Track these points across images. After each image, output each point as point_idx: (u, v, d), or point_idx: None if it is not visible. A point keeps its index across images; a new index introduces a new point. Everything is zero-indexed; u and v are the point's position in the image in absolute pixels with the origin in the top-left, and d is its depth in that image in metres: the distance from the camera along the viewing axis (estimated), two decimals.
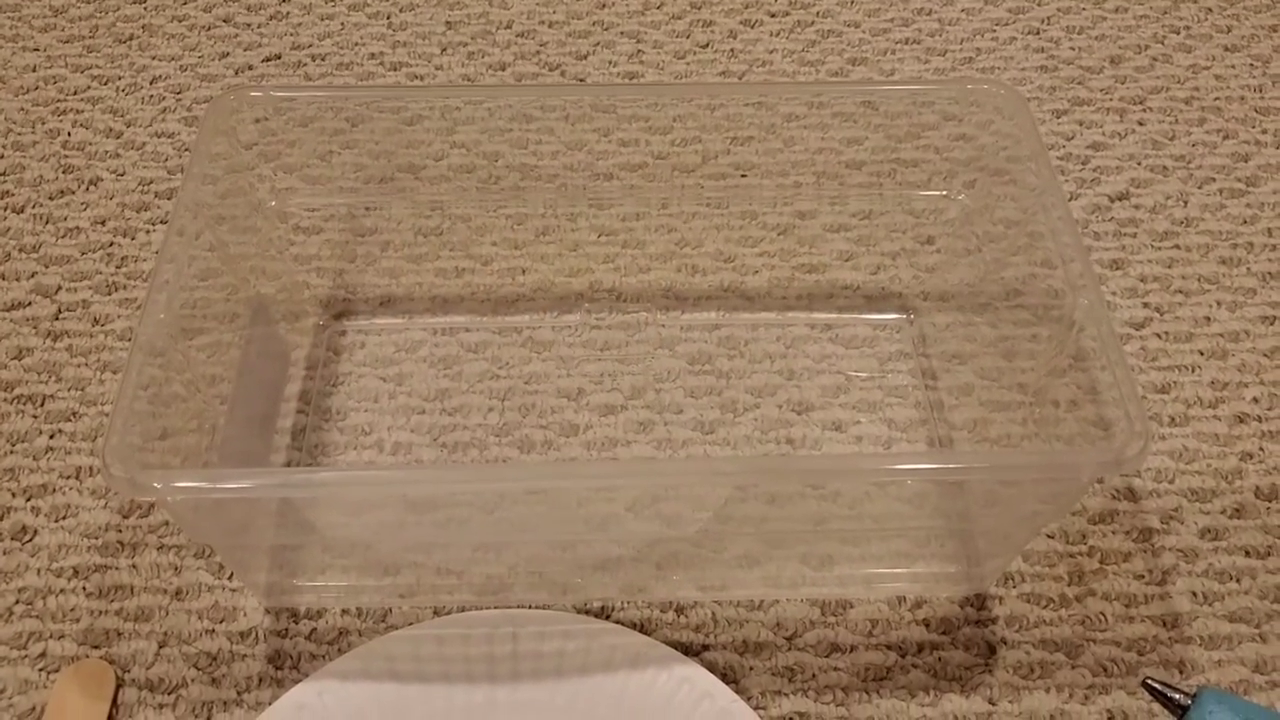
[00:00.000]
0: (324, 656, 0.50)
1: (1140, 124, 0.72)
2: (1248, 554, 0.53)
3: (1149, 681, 0.46)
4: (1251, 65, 0.75)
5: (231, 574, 0.53)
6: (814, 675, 0.50)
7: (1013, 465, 0.45)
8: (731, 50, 0.77)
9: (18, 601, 0.52)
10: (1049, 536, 0.54)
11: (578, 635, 0.49)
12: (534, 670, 0.49)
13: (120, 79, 0.75)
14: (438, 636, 0.49)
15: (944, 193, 0.60)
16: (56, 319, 0.62)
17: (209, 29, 0.78)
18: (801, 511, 0.54)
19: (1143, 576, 0.52)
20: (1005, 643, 0.51)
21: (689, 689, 0.47)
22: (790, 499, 0.55)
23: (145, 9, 0.79)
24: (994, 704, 0.49)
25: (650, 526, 0.54)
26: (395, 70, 0.75)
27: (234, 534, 0.49)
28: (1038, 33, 0.77)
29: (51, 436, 0.58)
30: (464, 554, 0.53)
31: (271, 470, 0.55)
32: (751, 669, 0.50)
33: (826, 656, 0.50)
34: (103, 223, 0.67)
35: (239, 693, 0.49)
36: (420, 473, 0.50)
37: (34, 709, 0.49)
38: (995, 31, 0.77)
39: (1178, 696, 0.45)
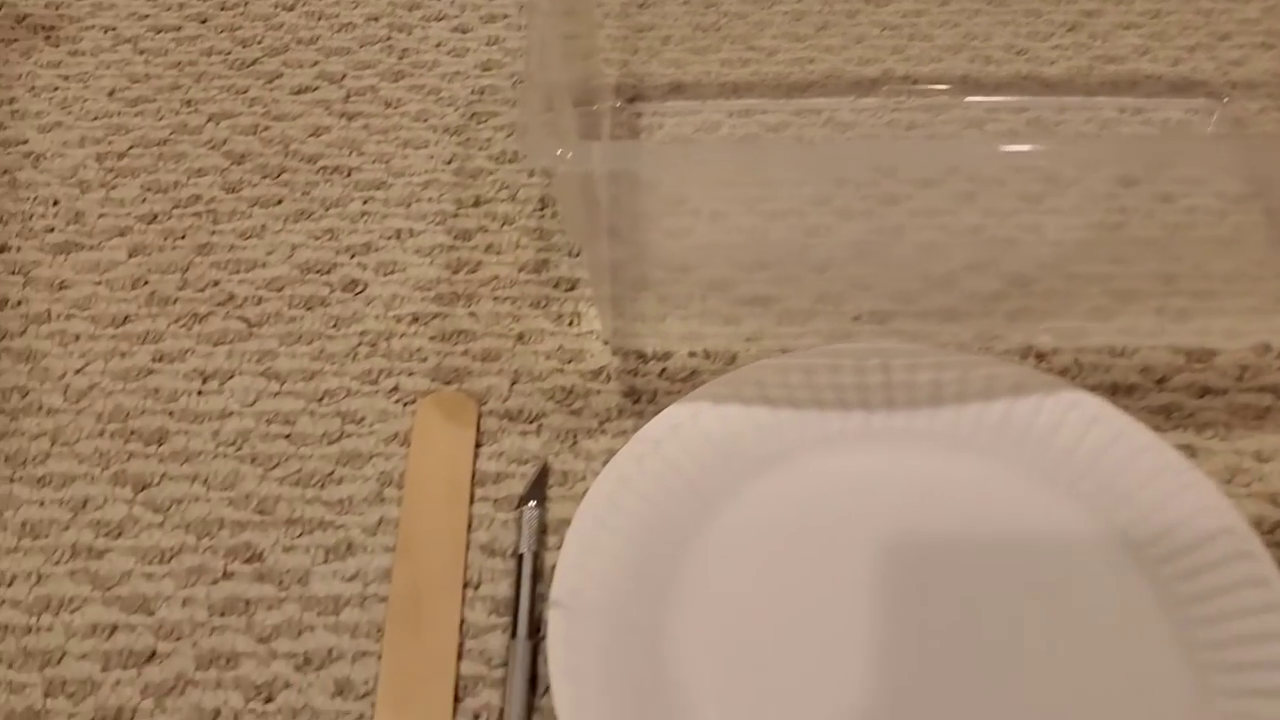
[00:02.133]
0: (677, 393, 0.49)
1: None
2: None
3: None
4: None
5: (571, 320, 0.52)
6: (1191, 414, 0.48)
7: None
8: None
9: (360, 344, 0.51)
10: None
11: (952, 366, 0.48)
12: (909, 399, 0.48)
13: None
14: (805, 365, 0.48)
15: None
16: (347, 101, 0.62)
17: None
18: (1147, 270, 0.53)
19: None
20: None
21: (1079, 414, 0.46)
22: (1132, 258, 0.53)
23: None
24: None
25: (990, 283, 0.53)
26: None
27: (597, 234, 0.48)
28: None
29: (365, 202, 0.57)
30: (804, 305, 0.52)
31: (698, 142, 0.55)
32: (1126, 408, 0.48)
33: (1200, 398, 0.49)
34: (375, 19, 0.66)
35: (600, 422, 0.49)
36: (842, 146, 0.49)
37: (396, 435, 0.48)
38: None
39: None
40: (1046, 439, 0.46)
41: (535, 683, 0.42)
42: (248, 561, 0.45)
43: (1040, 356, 0.51)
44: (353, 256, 0.55)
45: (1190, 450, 0.47)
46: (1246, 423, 0.48)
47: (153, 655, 0.42)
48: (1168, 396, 0.49)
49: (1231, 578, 0.42)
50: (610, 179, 0.57)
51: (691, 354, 0.51)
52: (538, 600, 0.43)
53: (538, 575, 0.44)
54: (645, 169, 0.43)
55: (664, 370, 0.50)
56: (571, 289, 0.53)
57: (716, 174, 0.46)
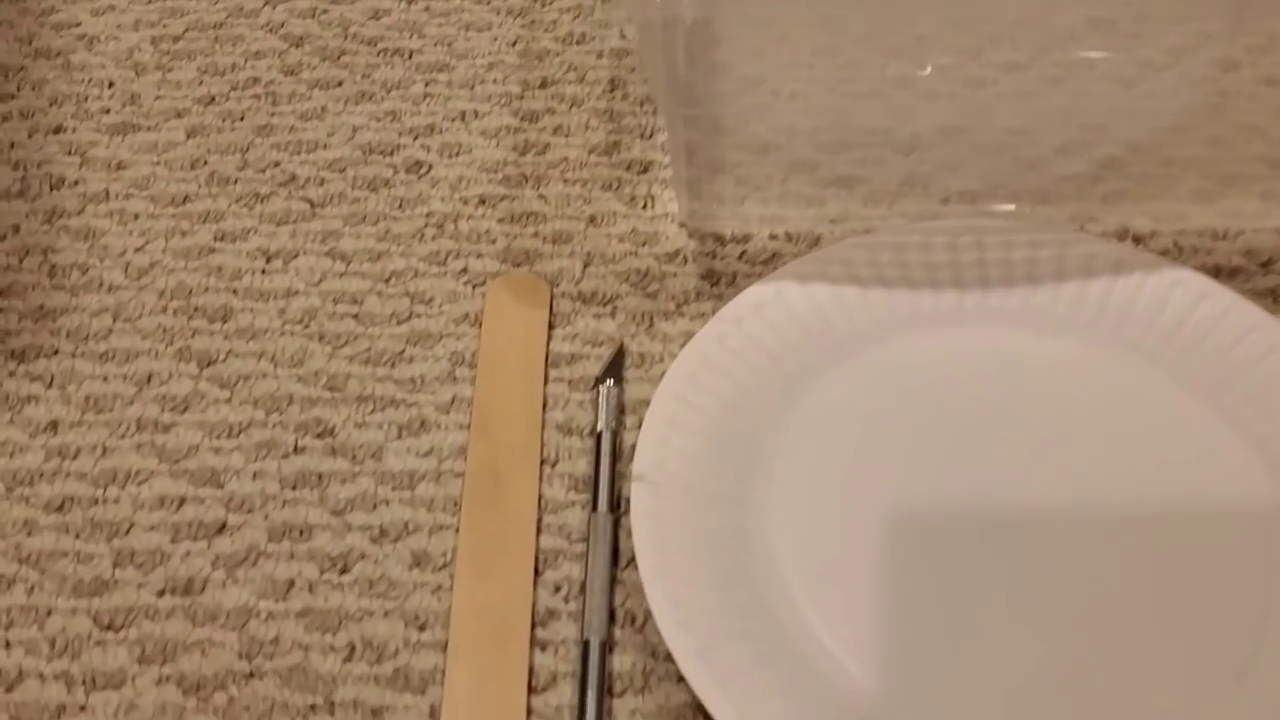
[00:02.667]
0: (758, 275, 0.47)
1: None
2: None
3: None
4: None
5: (645, 203, 0.50)
6: None
7: None
8: None
9: (427, 225, 0.50)
10: None
11: (1049, 244, 0.46)
12: (1004, 277, 0.46)
13: None
14: (895, 244, 0.46)
15: None
16: None
17: None
18: (1251, 154, 0.50)
19: None
20: None
21: (1184, 290, 0.44)
22: (1234, 142, 0.51)
23: None
24: None
25: (1082, 166, 0.50)
26: None
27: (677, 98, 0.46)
28: None
29: (427, 85, 0.55)
30: (890, 186, 0.50)
31: None
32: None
33: None
34: None
35: (677, 305, 0.47)
36: None
37: (466, 316, 0.47)
38: None
39: None
40: (1150, 317, 0.44)
41: (617, 556, 0.40)
42: (319, 437, 0.43)
43: (1138, 239, 0.48)
44: (416, 138, 0.53)
45: None
46: None
47: (223, 527, 0.41)
48: (1275, 279, 0.47)
49: None
50: (687, 60, 0.55)
51: (772, 236, 0.49)
52: (617, 477, 0.42)
53: (617, 453, 0.42)
54: (736, 10, 0.41)
55: (743, 253, 0.49)
56: (644, 171, 0.51)
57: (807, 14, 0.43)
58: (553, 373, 0.45)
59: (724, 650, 0.36)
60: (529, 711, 0.37)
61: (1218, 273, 0.47)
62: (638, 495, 0.39)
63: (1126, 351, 0.44)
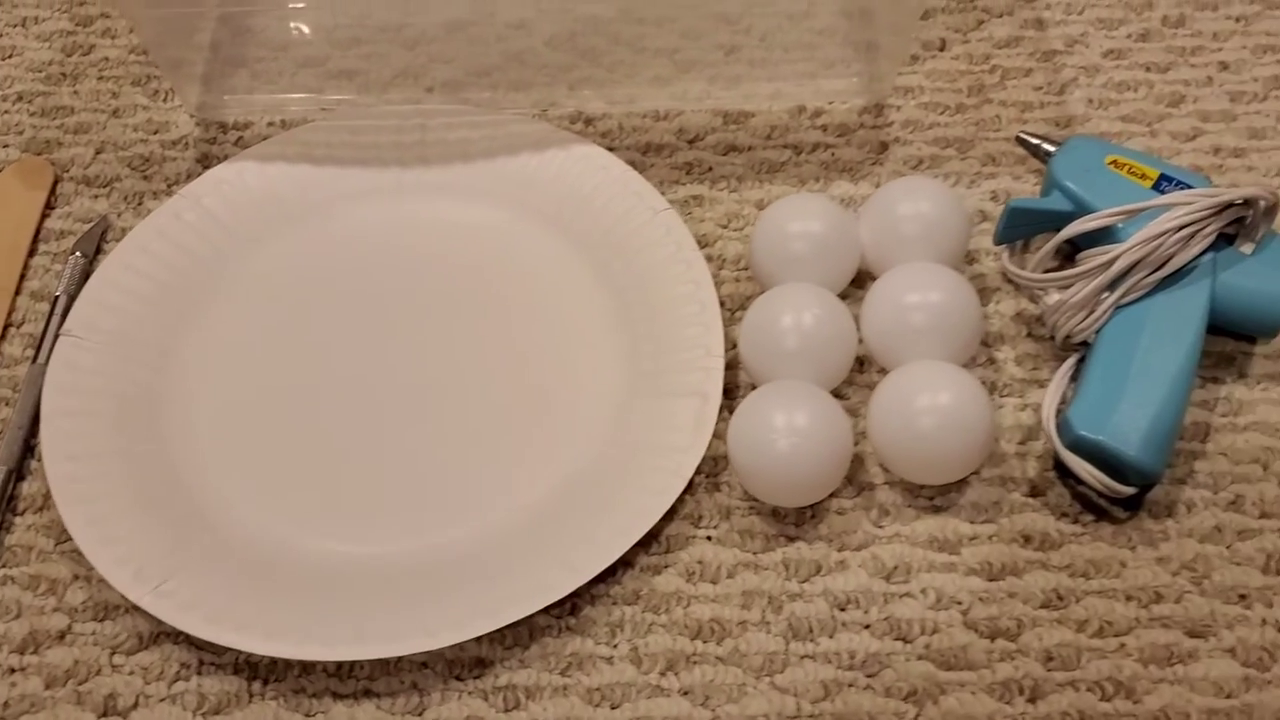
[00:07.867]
0: None
1: None
2: (1148, 69, 0.54)
3: (1022, 135, 0.47)
4: None
5: (166, 95, 0.56)
6: (710, 168, 0.52)
7: None
8: None
9: None
10: (953, 59, 0.55)
11: (484, 125, 0.51)
12: (441, 155, 0.51)
13: None
14: (351, 127, 0.52)
15: None
16: None
17: None
18: (715, 43, 0.55)
19: (1041, 88, 0.54)
20: (898, 141, 0.52)
21: (587, 164, 0.50)
22: (706, 32, 0.56)
23: None
24: (880, 185, 0.51)
25: (564, 57, 0.55)
26: None
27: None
28: None
29: None
30: (383, 79, 0.55)
31: None
32: (652, 165, 0.52)
33: (724, 155, 0.52)
34: None
35: (169, 185, 0.52)
36: None
37: None
38: None
39: (1047, 146, 0.47)
40: (554, 186, 0.50)
41: None
42: None
43: (589, 121, 0.54)
44: None
45: (698, 200, 0.51)
46: (759, 176, 0.52)
47: None
48: (694, 154, 0.52)
49: (678, 295, 0.46)
50: None
51: (270, 124, 0.54)
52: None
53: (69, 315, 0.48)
54: None
55: (240, 139, 0.54)
56: (176, 69, 0.56)
57: None
58: (44, 247, 0.51)
59: (98, 474, 0.43)
60: None
61: (647, 149, 0.53)
62: (60, 348, 0.45)
63: (534, 216, 0.50)
